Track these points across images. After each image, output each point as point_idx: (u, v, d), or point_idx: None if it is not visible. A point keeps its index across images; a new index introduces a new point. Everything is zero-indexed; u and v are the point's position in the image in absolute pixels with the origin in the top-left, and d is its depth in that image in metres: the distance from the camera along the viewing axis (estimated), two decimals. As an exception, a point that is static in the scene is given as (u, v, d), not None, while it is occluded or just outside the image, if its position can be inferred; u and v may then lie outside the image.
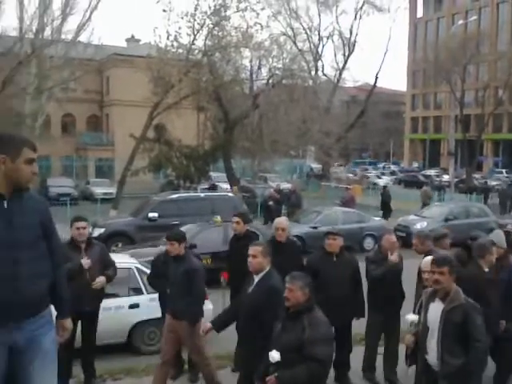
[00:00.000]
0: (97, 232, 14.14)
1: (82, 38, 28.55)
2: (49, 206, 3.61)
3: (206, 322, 5.26)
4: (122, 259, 8.33)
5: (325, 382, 4.29)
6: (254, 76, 29.44)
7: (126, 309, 7.65)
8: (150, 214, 15.28)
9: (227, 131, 25.68)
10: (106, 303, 6.66)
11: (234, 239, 6.93)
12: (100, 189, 29.49)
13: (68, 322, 3.66)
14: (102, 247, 6.47)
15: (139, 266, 8.09)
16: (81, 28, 27.40)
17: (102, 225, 15.25)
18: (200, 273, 5.74)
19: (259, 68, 29.14)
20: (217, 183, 29.02)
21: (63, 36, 27.04)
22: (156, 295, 6.90)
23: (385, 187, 25.78)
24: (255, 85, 29.65)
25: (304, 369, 3.96)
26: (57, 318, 3.59)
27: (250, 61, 27.40)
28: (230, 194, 18.09)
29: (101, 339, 6.70)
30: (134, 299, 7.76)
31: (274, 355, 4.13)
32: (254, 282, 4.74)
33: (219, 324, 5.09)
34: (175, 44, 22.83)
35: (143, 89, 24.23)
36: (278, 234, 6.44)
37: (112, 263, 6.37)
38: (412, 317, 4.94)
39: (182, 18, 22.75)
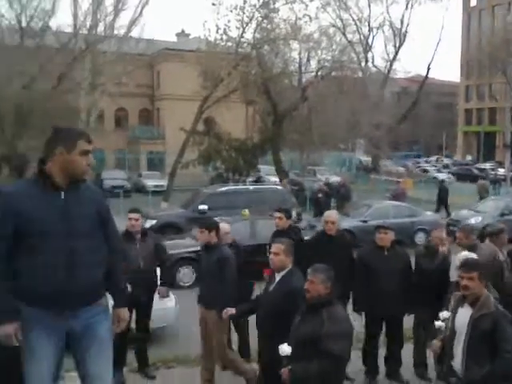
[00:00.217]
0: (148, 223, 14.44)
1: (134, 33, 29.06)
2: (104, 196, 3.70)
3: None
4: None
5: (341, 379, 4.21)
6: (303, 68, 29.35)
7: None
8: (200, 207, 15.49)
9: (276, 124, 25.67)
10: None
11: (276, 234, 6.82)
12: (151, 181, 30.05)
13: (124, 312, 3.65)
14: (156, 238, 6.66)
15: None
16: (132, 23, 27.89)
17: (153, 216, 15.57)
18: (231, 261, 5.72)
19: (308, 60, 29.03)
20: (264, 176, 29.08)
21: (116, 31, 27.57)
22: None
23: (442, 181, 25.11)
24: (304, 77, 29.52)
25: (317, 363, 3.89)
26: (113, 307, 3.61)
27: (299, 53, 27.34)
28: (279, 187, 18.11)
29: None
30: None
31: (285, 348, 4.09)
32: (276, 280, 4.69)
33: (237, 312, 5.20)
34: (224, 37, 22.97)
35: (193, 83, 24.51)
36: (327, 227, 6.42)
37: (165, 254, 6.57)
38: (439, 323, 4.81)
39: (231, 11, 22.89)
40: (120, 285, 3.64)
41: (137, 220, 6.21)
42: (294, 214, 15.92)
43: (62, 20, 66.42)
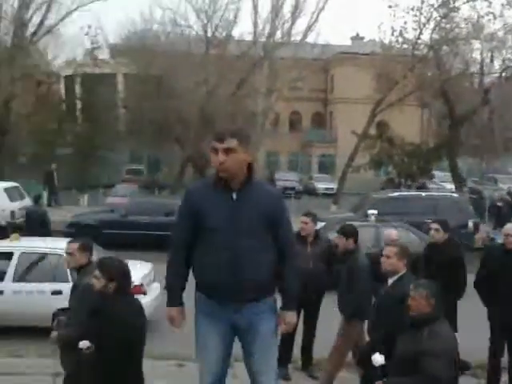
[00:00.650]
0: (318, 226, 14.67)
1: (310, 38, 29.65)
2: (281, 198, 3.69)
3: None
4: (56, 245, 8.07)
5: None
6: (485, 69, 27.47)
7: (48, 294, 7.64)
8: (369, 211, 15.34)
9: (453, 128, 24.43)
10: (28, 287, 7.45)
11: (431, 249, 6.35)
12: (322, 184, 30.50)
13: (291, 316, 3.62)
14: (327, 241, 6.77)
15: None
16: (309, 29, 28.43)
17: (322, 219, 15.79)
18: (362, 271, 5.52)
19: (491, 60, 27.08)
20: (437, 182, 27.81)
21: (292, 38, 28.38)
22: None
23: None
24: (486, 78, 27.65)
25: (412, 380, 3.70)
26: (281, 308, 3.61)
27: (481, 53, 25.62)
28: (455, 195, 17.24)
29: (27, 321, 7.31)
30: (58, 286, 7.59)
31: (378, 358, 3.94)
32: (388, 284, 4.52)
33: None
34: (400, 39, 22.48)
35: (366, 86, 24.34)
36: (508, 240, 6.00)
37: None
38: None
39: (408, 12, 22.30)
40: (290, 289, 3.60)
41: (307, 223, 6.38)
42: (470, 224, 15.08)
43: (243, 29, 69.96)
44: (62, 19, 25.70)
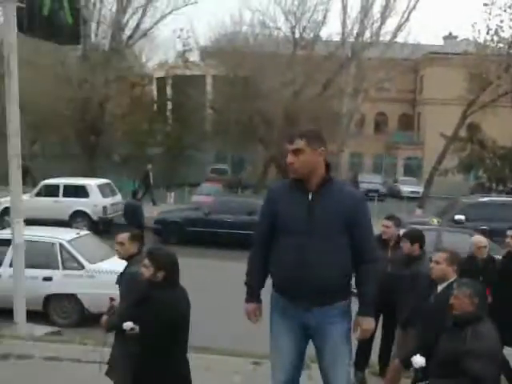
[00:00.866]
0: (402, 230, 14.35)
1: (399, 38, 29.06)
2: (363, 200, 3.63)
3: None
4: (49, 234, 8.94)
5: None
6: None
7: (39, 280, 8.16)
8: (457, 217, 14.82)
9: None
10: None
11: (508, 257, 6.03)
12: (407, 187, 29.75)
13: (366, 322, 3.52)
14: None
15: (64, 243, 8.45)
16: (398, 29, 27.90)
17: (406, 223, 15.44)
18: (426, 277, 5.23)
19: None
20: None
21: (381, 38, 27.94)
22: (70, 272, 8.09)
23: None
24: None
25: (455, 382, 3.57)
26: (357, 313, 3.55)
27: None
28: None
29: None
30: (48, 272, 8.25)
31: (418, 360, 3.83)
32: (438, 291, 4.37)
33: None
34: (495, 38, 21.47)
35: (457, 87, 23.47)
36: None
37: None
38: None
39: (505, 10, 21.26)
40: (366, 294, 3.53)
41: (388, 227, 6.29)
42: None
43: (331, 29, 69.54)
44: (157, 23, 26.88)
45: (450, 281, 4.39)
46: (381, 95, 34.75)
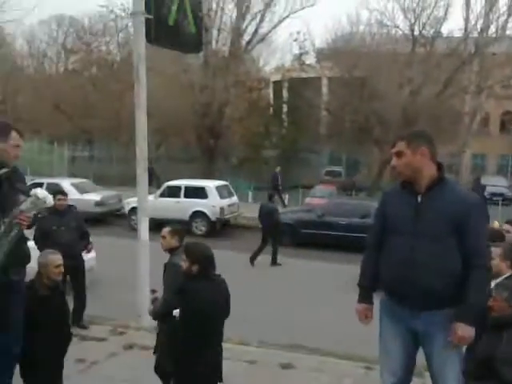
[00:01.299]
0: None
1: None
2: (476, 204, 3.48)
3: None
4: None
5: None
6: None
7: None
8: None
9: None
10: None
11: None
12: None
13: (463, 328, 3.32)
14: None
15: None
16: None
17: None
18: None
19: None
20: None
21: (508, 32, 26.37)
22: None
23: None
24: None
25: None
26: (454, 317, 3.37)
27: None
28: None
29: None
30: None
31: None
32: (491, 287, 3.97)
33: None
34: None
35: None
36: None
37: None
38: None
39: None
40: (469, 299, 3.32)
41: (509, 232, 6.04)
42: None
43: (453, 25, 66.45)
44: (275, 27, 27.27)
45: (505, 276, 4.19)
46: (507, 92, 32.56)
